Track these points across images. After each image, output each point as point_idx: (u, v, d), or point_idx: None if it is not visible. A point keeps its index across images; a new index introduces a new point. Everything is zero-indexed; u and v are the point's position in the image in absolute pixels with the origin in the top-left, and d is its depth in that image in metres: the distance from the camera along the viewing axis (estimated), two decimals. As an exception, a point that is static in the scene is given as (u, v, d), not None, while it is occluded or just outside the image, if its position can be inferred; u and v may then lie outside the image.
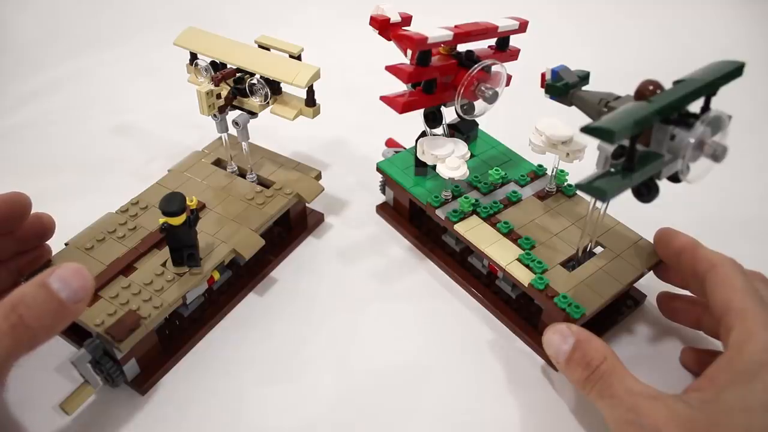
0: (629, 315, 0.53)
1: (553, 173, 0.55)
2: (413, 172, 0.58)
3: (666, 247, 0.48)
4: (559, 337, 0.43)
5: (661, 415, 0.36)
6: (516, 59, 0.56)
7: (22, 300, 0.36)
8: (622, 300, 0.53)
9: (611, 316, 0.52)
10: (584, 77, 0.48)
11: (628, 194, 0.39)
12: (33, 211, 0.49)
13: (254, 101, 0.53)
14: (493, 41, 0.54)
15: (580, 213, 0.54)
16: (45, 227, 0.50)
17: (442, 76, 0.51)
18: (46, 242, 0.51)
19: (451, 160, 0.51)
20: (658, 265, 0.50)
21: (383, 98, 0.50)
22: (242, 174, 0.59)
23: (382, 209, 0.63)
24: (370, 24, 0.53)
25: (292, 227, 0.60)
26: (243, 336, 0.52)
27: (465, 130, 0.59)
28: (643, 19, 0.95)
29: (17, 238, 0.49)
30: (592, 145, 0.41)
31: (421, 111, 0.53)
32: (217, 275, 0.51)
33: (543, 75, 0.48)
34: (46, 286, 0.36)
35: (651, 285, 0.55)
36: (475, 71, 0.50)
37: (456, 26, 0.50)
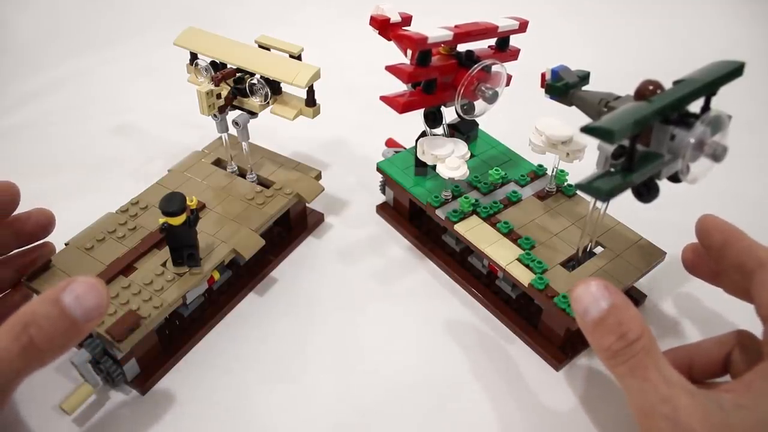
0: (629, 315, 0.53)
1: (553, 173, 0.55)
2: (413, 172, 0.58)
3: (708, 236, 0.44)
4: (593, 294, 0.37)
5: (698, 416, 0.33)
6: (516, 59, 0.56)
7: (33, 319, 0.34)
8: (622, 300, 0.53)
9: (611, 316, 0.52)
10: (584, 77, 0.48)
11: (628, 194, 0.39)
12: (32, 209, 0.49)
13: (254, 101, 0.53)
14: (493, 41, 0.54)
15: (580, 213, 0.54)
16: (45, 222, 0.50)
17: (442, 76, 0.51)
18: (50, 242, 0.51)
19: (451, 160, 0.51)
20: (693, 260, 0.47)
21: (383, 98, 0.50)
22: (242, 174, 0.59)
23: (382, 209, 0.63)
24: (370, 24, 0.53)
25: (292, 227, 0.60)
26: (243, 336, 0.52)
27: (465, 130, 0.60)
28: (643, 19, 0.95)
29: (15, 231, 0.49)
30: (592, 145, 0.41)
31: (421, 111, 0.53)
32: (217, 275, 0.51)
33: (543, 75, 0.48)
34: (59, 303, 0.34)
35: (651, 285, 0.55)
36: (475, 71, 0.50)
37: (456, 26, 0.50)
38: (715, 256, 0.44)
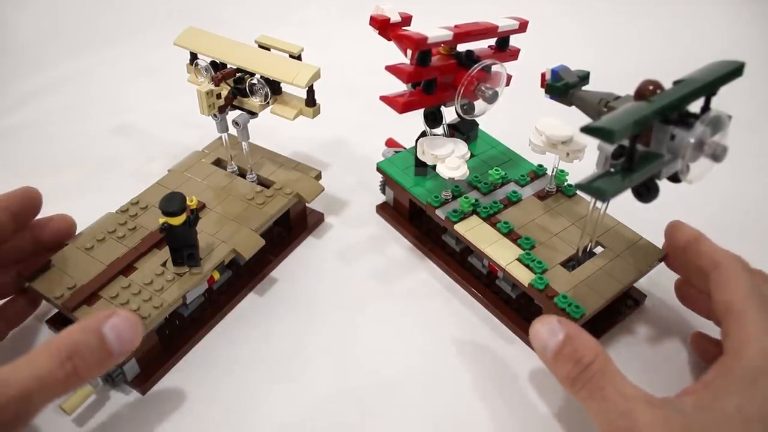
0: (629, 315, 0.53)
1: (553, 173, 0.55)
2: (413, 172, 0.58)
3: (672, 240, 0.47)
4: (547, 329, 0.40)
5: (658, 425, 0.34)
6: (516, 59, 0.56)
7: (77, 349, 0.36)
8: (622, 300, 0.53)
9: (611, 317, 0.52)
10: (584, 77, 0.48)
11: (628, 194, 0.39)
12: (54, 214, 0.50)
13: (254, 101, 0.53)
14: (493, 41, 0.54)
15: (580, 213, 0.54)
16: (66, 228, 0.51)
17: (442, 76, 0.51)
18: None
19: (451, 160, 0.51)
20: (666, 258, 0.50)
21: (383, 98, 0.50)
22: (242, 174, 0.59)
23: (382, 209, 0.63)
24: (370, 24, 0.53)
25: (292, 227, 0.60)
26: (243, 336, 0.52)
27: (465, 130, 0.59)
28: (643, 19, 0.95)
29: (34, 236, 0.49)
30: (592, 145, 0.41)
31: (421, 111, 0.53)
32: (217, 275, 0.51)
33: (543, 75, 0.48)
34: (101, 336, 0.36)
35: (651, 285, 0.55)
36: (475, 71, 0.50)
37: (456, 26, 0.50)
38: (680, 260, 0.47)
